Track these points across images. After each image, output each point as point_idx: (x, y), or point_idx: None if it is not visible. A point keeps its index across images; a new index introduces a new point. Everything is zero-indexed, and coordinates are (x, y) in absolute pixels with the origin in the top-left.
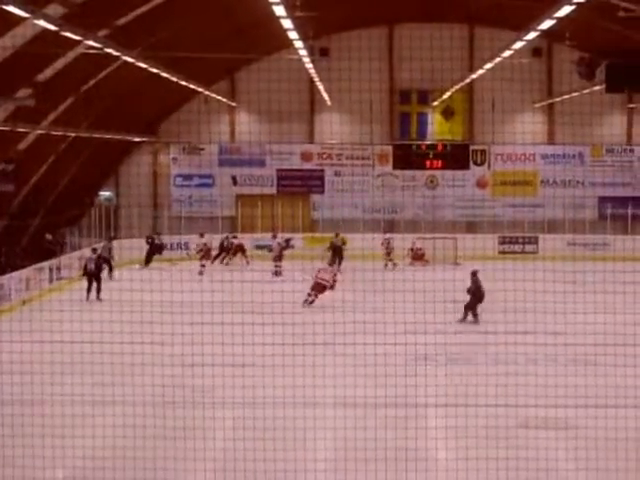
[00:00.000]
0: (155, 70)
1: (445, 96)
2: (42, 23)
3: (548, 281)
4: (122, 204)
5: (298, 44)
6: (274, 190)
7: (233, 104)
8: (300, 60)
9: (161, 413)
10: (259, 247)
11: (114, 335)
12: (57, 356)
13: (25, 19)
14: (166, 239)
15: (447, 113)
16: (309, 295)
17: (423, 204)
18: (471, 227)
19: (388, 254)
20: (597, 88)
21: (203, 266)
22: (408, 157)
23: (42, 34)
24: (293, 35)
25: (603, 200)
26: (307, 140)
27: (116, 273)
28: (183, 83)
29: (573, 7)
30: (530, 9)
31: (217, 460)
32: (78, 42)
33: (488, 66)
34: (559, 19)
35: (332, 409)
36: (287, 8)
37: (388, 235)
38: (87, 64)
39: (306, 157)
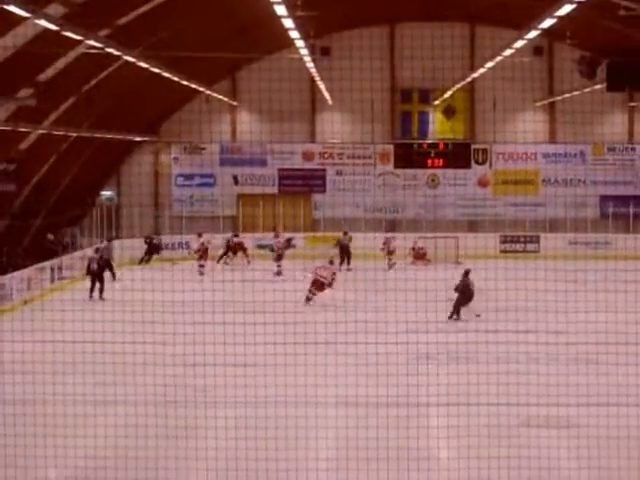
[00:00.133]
0: (156, 70)
1: (446, 95)
2: (43, 23)
3: (549, 280)
4: (123, 204)
5: (299, 43)
6: (275, 189)
7: (234, 103)
8: (301, 59)
9: (163, 413)
10: (260, 247)
11: (115, 335)
12: (58, 356)
13: (26, 19)
14: (167, 239)
15: (448, 112)
16: (309, 292)
17: (424, 203)
18: (472, 226)
19: (389, 253)
20: (598, 87)
21: (202, 266)
22: (409, 156)
23: (43, 34)
24: (294, 34)
25: (605, 199)
26: (308, 139)
27: (118, 274)
28: (184, 83)
29: (574, 6)
30: (531, 8)
31: (219, 459)
32: (79, 42)
33: (489, 65)
34: (560, 18)
35: (334, 408)
36: (288, 7)
37: (389, 234)
38: (88, 64)
39: (307, 156)
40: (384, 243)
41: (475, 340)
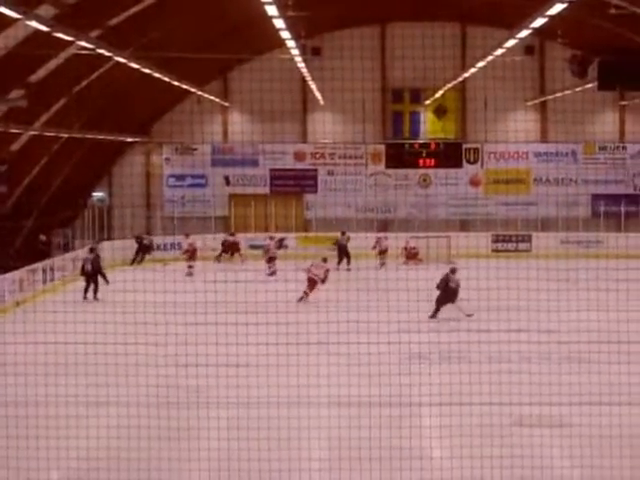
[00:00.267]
0: (147, 70)
1: (438, 95)
2: (34, 24)
3: (541, 279)
4: (115, 205)
5: (290, 44)
6: (267, 190)
7: (226, 104)
8: (292, 60)
9: (155, 413)
10: (253, 247)
11: (108, 336)
12: (51, 357)
13: (17, 20)
14: (159, 239)
15: (440, 112)
16: (304, 292)
17: (416, 203)
18: (464, 225)
19: (380, 253)
20: (589, 86)
21: (190, 267)
22: (401, 156)
23: (34, 35)
24: (285, 35)
25: (596, 198)
26: (300, 140)
27: (111, 276)
28: (175, 83)
29: (565, 5)
30: (522, 7)
31: (211, 460)
32: (70, 43)
33: (480, 64)
34: (551, 17)
35: (326, 408)
36: (279, 8)
37: (381, 234)
38: (79, 65)
39: (299, 157)
40: (376, 242)
41: (467, 339)
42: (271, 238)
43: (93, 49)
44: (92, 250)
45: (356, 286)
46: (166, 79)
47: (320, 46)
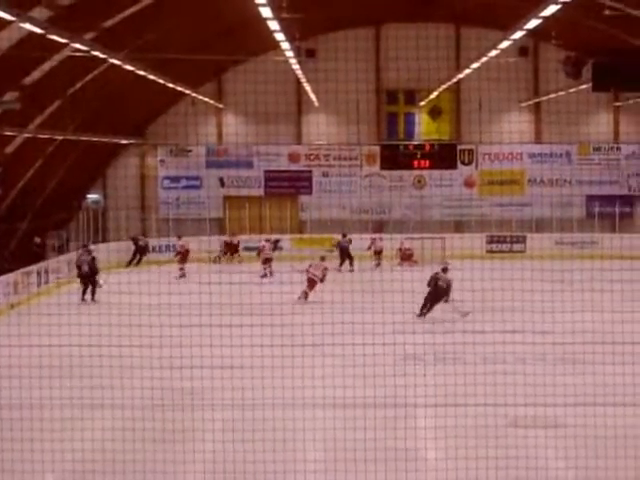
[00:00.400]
0: (142, 72)
1: (432, 96)
2: (28, 26)
3: (536, 280)
4: (110, 207)
5: (285, 45)
6: (262, 191)
7: (220, 106)
8: (287, 61)
9: (150, 416)
10: (248, 249)
11: (103, 338)
12: (46, 360)
13: (11, 22)
14: (154, 241)
15: (434, 113)
16: (303, 292)
17: (411, 204)
18: (459, 227)
19: (375, 253)
20: (583, 87)
21: (181, 269)
22: (396, 157)
23: (28, 37)
24: (280, 36)
25: (591, 198)
26: (294, 141)
27: (105, 277)
28: (170, 85)
29: (559, 6)
30: (516, 8)
31: (207, 462)
32: (64, 45)
33: (475, 66)
34: (545, 18)
35: (321, 410)
36: (273, 10)
37: (375, 235)
38: (74, 67)
39: (294, 158)
40: (371, 243)
41: (462, 341)
42: (267, 240)
43: (87, 51)
44: (89, 251)
45: (351, 287)
46: (161, 81)
47: (314, 48)
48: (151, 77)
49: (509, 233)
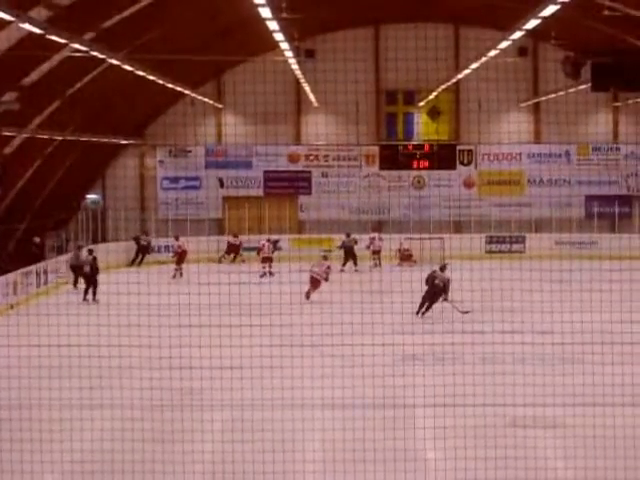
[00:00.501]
0: (141, 73)
1: (431, 96)
2: (27, 26)
3: (535, 280)
4: (109, 207)
5: (284, 46)
6: (261, 192)
7: (219, 106)
8: (286, 61)
9: (150, 416)
10: (247, 249)
11: (102, 338)
12: (45, 360)
13: (10, 22)
14: (153, 242)
15: (433, 113)
16: (307, 291)
17: (410, 204)
18: (458, 227)
19: (374, 253)
20: (583, 87)
21: (176, 269)
22: (395, 158)
23: (27, 37)
24: (279, 37)
25: (590, 199)
26: (294, 141)
27: (104, 276)
28: (169, 85)
29: (558, 6)
30: (515, 9)
31: (206, 462)
32: (64, 45)
33: (474, 66)
34: (544, 18)
35: (321, 410)
36: (273, 10)
37: (374, 234)
38: (73, 67)
39: (293, 158)
40: (370, 242)
41: (461, 341)
42: (268, 240)
43: (87, 51)
44: (90, 251)
45: (350, 287)
46: (160, 81)
47: (314, 48)
48: (150, 77)
49: (508, 233)
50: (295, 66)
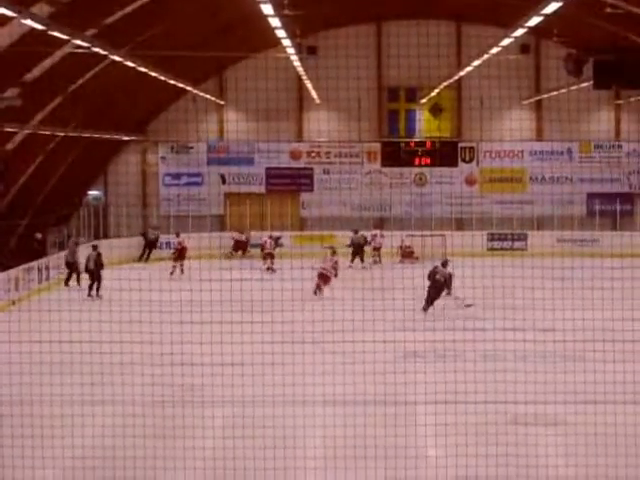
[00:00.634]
0: (143, 69)
1: (433, 93)
2: (29, 22)
3: (537, 278)
4: (111, 203)
5: (286, 42)
6: (263, 188)
7: (221, 102)
8: (288, 58)
9: (150, 412)
10: (251, 246)
11: (103, 334)
12: (46, 356)
13: (12, 18)
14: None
15: (435, 110)
16: (316, 285)
17: (412, 201)
18: (460, 224)
19: (374, 249)
20: (585, 84)
21: (174, 267)
22: (397, 154)
23: (29, 33)
24: (281, 33)
25: (592, 196)
26: (296, 138)
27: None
28: (171, 82)
29: (560, 4)
30: (518, 6)
31: (207, 458)
32: (66, 41)
33: (476, 63)
34: (547, 16)
35: (322, 407)
36: (275, 6)
37: (376, 231)
38: (75, 63)
39: (295, 155)
40: (371, 239)
41: (462, 338)
42: (270, 237)
43: (88, 48)
44: (95, 247)
45: (351, 284)
46: (162, 78)
47: (316, 45)
48: (152, 74)
49: (510, 231)
50: (297, 63)
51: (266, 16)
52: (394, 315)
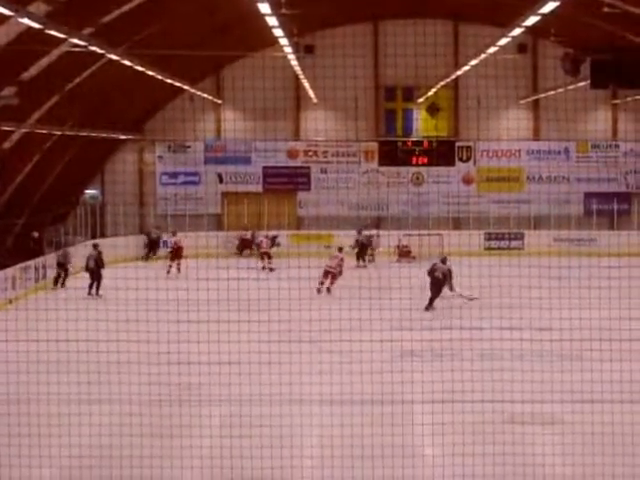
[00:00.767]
0: (140, 68)
1: (430, 93)
2: (26, 21)
3: (534, 277)
4: (108, 202)
5: (283, 41)
6: (260, 187)
7: (219, 101)
8: (285, 57)
9: (148, 411)
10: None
11: (100, 333)
12: (43, 355)
13: (9, 17)
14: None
15: (432, 110)
16: (320, 283)
17: (409, 201)
18: (457, 223)
19: (372, 249)
20: (582, 84)
21: (170, 266)
22: (394, 154)
23: (26, 32)
24: (278, 32)
25: (589, 196)
26: (293, 137)
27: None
28: (168, 81)
29: (558, 3)
30: (515, 5)
31: (204, 457)
32: (63, 40)
33: (473, 62)
34: (544, 15)
35: (318, 406)
36: (272, 5)
37: (373, 231)
38: (72, 62)
39: (292, 154)
40: (370, 238)
41: (459, 337)
42: (266, 236)
43: (85, 46)
44: (95, 246)
45: (349, 284)
46: (159, 76)
47: (313, 44)
48: (149, 73)
49: (507, 230)
50: (294, 62)
51: (263, 15)
52: (391, 314)
